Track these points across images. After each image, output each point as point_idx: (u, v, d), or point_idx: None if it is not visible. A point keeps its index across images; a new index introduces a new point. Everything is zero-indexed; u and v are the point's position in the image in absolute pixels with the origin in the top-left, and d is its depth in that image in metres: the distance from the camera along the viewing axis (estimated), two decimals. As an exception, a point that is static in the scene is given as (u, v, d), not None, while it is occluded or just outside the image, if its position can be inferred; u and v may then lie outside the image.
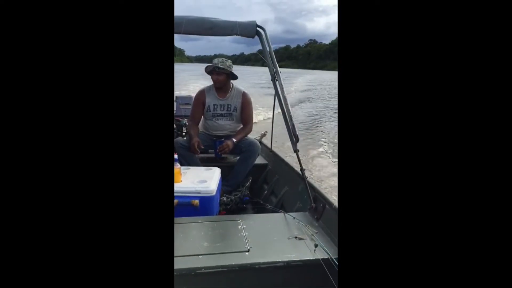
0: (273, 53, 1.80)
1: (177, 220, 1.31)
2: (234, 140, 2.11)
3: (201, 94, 2.27)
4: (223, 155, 2.23)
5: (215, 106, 2.24)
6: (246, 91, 2.31)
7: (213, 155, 2.25)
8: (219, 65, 2.13)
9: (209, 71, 2.20)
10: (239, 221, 1.35)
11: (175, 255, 1.01)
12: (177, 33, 2.03)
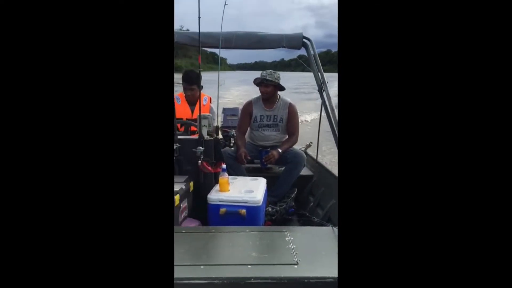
0: (320, 64, 1.80)
1: (225, 228, 1.36)
2: (280, 150, 2.14)
3: (249, 105, 2.34)
4: (268, 165, 2.27)
5: (262, 117, 2.29)
6: (292, 102, 2.34)
7: (259, 165, 2.30)
8: (267, 77, 2.19)
9: (257, 83, 2.27)
10: (286, 232, 1.36)
11: (224, 263, 1.06)
12: (227, 47, 2.14)
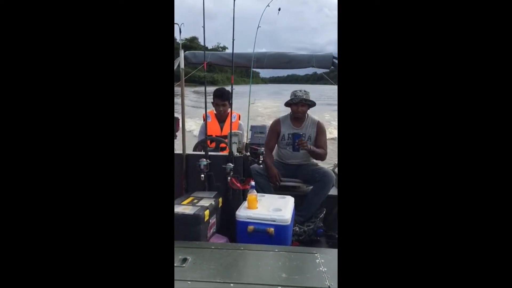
0: None
1: (253, 246, 1.37)
2: (311, 147, 2.14)
3: (277, 124, 2.38)
4: (300, 148, 2.23)
5: (290, 135, 2.30)
6: (320, 121, 2.34)
7: (286, 183, 2.30)
8: (305, 97, 2.24)
9: (296, 102, 2.26)
10: (316, 254, 1.34)
11: (255, 282, 1.07)
12: (259, 67, 2.21)
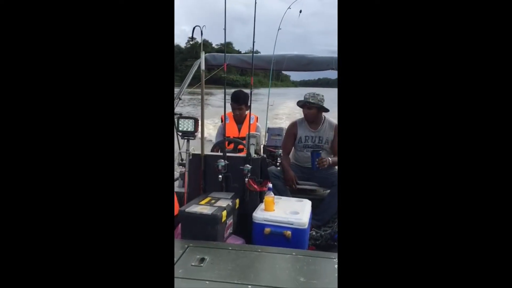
0: None
1: (270, 249, 1.36)
2: (330, 160, 2.11)
3: (293, 126, 2.36)
4: (320, 168, 2.20)
5: (307, 138, 2.29)
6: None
7: (303, 186, 2.28)
8: (310, 100, 2.21)
9: (301, 105, 2.29)
10: (335, 259, 1.32)
11: (272, 285, 1.05)
12: (278, 70, 2.21)
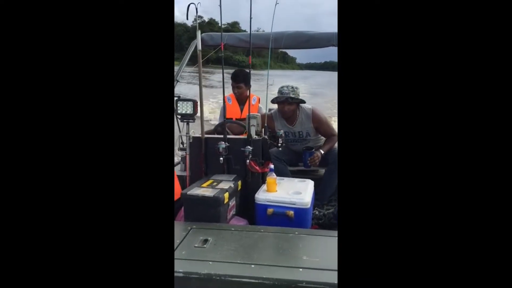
0: None
1: (273, 229, 1.36)
2: (322, 151, 2.08)
3: (269, 121, 2.12)
4: (312, 167, 2.22)
5: (287, 133, 2.18)
6: (313, 108, 2.18)
7: (302, 167, 2.27)
8: (291, 95, 2.04)
9: (281, 102, 2.08)
10: (337, 237, 1.32)
11: (274, 264, 1.06)
12: (277, 48, 2.14)
